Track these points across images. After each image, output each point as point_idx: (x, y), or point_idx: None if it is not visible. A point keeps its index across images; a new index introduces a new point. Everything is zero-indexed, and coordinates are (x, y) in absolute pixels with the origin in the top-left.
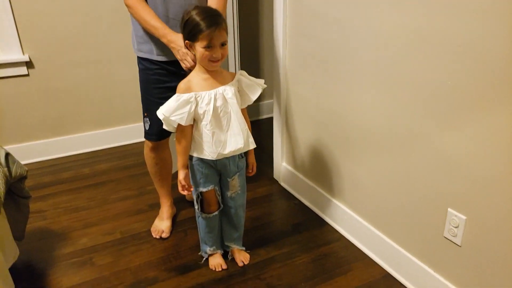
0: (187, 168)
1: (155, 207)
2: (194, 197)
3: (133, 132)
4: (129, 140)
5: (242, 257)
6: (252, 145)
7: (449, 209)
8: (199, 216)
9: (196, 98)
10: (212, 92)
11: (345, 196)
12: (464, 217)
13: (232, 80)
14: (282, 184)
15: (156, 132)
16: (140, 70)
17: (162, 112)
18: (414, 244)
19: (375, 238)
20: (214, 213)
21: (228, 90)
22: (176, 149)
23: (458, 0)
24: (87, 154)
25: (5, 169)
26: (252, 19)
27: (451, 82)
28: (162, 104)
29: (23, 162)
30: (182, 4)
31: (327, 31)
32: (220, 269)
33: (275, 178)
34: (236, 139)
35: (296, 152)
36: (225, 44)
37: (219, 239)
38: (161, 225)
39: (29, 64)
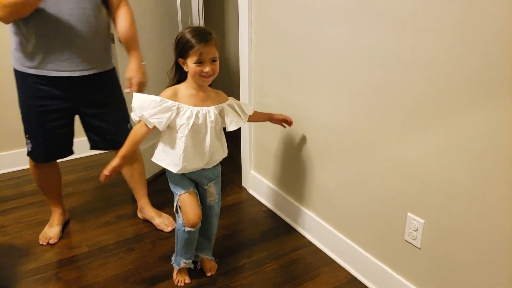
0: (124, 160)
1: (123, 218)
2: (174, 205)
3: None
4: (94, 151)
5: (210, 267)
6: (214, 163)
7: (408, 213)
8: (180, 229)
9: (178, 108)
10: (196, 109)
11: (311, 203)
12: (422, 221)
13: (219, 101)
14: (251, 191)
15: (42, 154)
16: (21, 88)
17: (143, 113)
18: (377, 248)
19: (340, 243)
20: (197, 227)
21: (211, 113)
22: (129, 138)
23: (407, 19)
24: None
25: None
26: (218, 33)
27: (406, 94)
28: (44, 127)
29: None
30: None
31: (290, 45)
32: (183, 284)
33: (243, 186)
34: (201, 158)
35: (263, 160)
36: (216, 60)
37: (193, 251)
38: (50, 232)
39: None
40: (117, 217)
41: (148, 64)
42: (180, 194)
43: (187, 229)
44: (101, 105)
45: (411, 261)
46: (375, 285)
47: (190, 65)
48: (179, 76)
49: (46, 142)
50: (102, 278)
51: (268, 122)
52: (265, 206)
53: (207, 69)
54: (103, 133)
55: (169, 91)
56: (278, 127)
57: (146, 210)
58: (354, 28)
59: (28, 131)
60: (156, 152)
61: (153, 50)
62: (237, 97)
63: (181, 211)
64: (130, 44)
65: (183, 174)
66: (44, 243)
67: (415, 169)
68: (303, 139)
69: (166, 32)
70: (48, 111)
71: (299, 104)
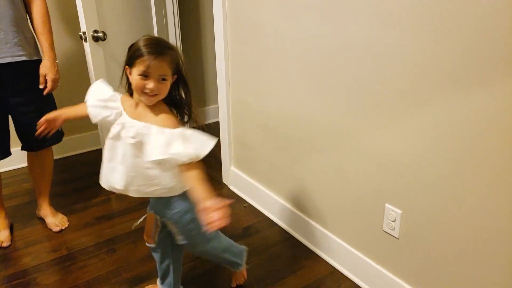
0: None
1: (103, 220)
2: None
3: (76, 142)
4: (71, 152)
5: (240, 276)
6: (138, 193)
7: (386, 204)
8: None
9: (120, 115)
10: (126, 119)
11: (292, 197)
12: (400, 211)
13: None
14: (232, 188)
15: None
16: None
17: (88, 99)
18: (357, 239)
19: (320, 235)
20: (151, 245)
21: (135, 127)
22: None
23: (381, 14)
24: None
25: None
26: (194, 27)
27: (379, 86)
28: None
29: None
30: None
31: (266, 39)
32: None
33: (224, 182)
34: (121, 176)
35: (243, 155)
36: (166, 80)
37: (161, 274)
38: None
39: None
40: (96, 218)
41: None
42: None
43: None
44: (32, 98)
45: (390, 251)
46: (356, 276)
47: (134, 76)
48: (129, 86)
49: None
50: (83, 280)
51: (246, 120)
52: (247, 202)
53: (150, 85)
54: (34, 130)
55: (126, 98)
56: (254, 122)
57: (43, 208)
58: (330, 22)
59: None
60: None
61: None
62: (214, 91)
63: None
64: (43, 41)
65: None
66: None
67: (391, 160)
68: (281, 134)
69: (139, 30)
70: None
71: (275, 98)
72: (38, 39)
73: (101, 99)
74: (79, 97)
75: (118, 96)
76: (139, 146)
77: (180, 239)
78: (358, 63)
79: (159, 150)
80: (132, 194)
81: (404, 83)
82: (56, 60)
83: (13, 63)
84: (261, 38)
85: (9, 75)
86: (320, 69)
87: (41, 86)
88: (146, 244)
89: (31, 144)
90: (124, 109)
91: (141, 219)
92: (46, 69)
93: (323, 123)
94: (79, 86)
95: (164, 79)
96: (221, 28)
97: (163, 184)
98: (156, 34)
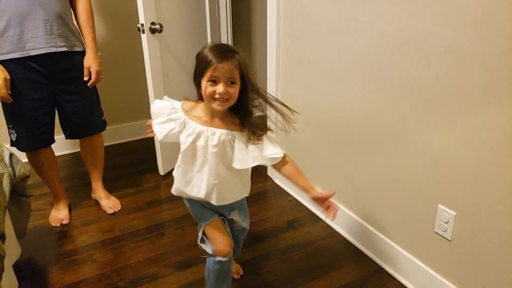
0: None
1: (153, 205)
2: (199, 235)
3: (130, 130)
4: (126, 138)
5: (236, 269)
6: (225, 201)
7: (439, 205)
8: (210, 260)
9: (185, 124)
10: (200, 127)
11: (338, 193)
12: (454, 213)
13: (235, 129)
14: (276, 181)
15: (26, 145)
16: None
17: (153, 121)
18: (406, 239)
19: (368, 234)
20: (230, 256)
21: (216, 136)
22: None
23: (443, 9)
24: None
25: (10, 169)
26: (245, 20)
27: (439, 84)
28: (28, 116)
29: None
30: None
31: (320, 34)
32: None
33: (269, 175)
34: (200, 185)
35: (289, 149)
36: (235, 83)
37: None
38: (60, 214)
39: None
40: (147, 203)
41: (176, 70)
42: (206, 225)
43: (218, 258)
44: (76, 87)
45: (441, 253)
46: (402, 276)
47: (203, 84)
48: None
49: (30, 131)
50: (135, 261)
51: (294, 114)
52: (291, 196)
53: (220, 89)
54: (78, 119)
55: (189, 104)
56: (302, 117)
57: (97, 191)
58: (390, 18)
59: (13, 122)
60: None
61: (179, 40)
62: (262, 84)
63: (208, 241)
64: (86, 35)
65: (202, 205)
66: (58, 225)
67: (446, 160)
68: (330, 129)
69: (192, 23)
70: (31, 99)
71: (326, 93)
72: (81, 33)
73: (163, 115)
74: (135, 87)
75: (177, 105)
76: (220, 153)
77: (244, 225)
78: (419, 61)
79: (255, 156)
80: (214, 201)
81: (465, 83)
82: (98, 53)
83: (57, 53)
84: (315, 33)
85: (54, 64)
86: (376, 66)
87: (85, 78)
88: (224, 258)
89: (75, 131)
90: (192, 118)
91: (201, 235)
92: (90, 62)
93: (376, 121)
94: (135, 76)
95: (233, 82)
96: (274, 21)
97: (241, 186)
98: (208, 27)
